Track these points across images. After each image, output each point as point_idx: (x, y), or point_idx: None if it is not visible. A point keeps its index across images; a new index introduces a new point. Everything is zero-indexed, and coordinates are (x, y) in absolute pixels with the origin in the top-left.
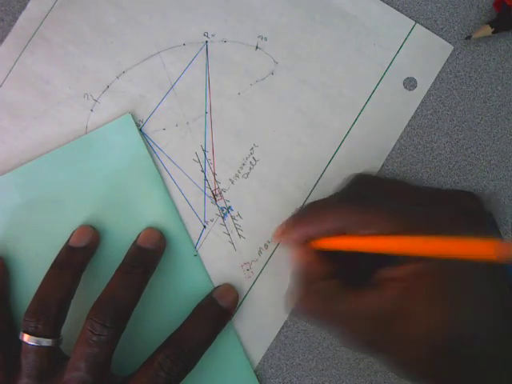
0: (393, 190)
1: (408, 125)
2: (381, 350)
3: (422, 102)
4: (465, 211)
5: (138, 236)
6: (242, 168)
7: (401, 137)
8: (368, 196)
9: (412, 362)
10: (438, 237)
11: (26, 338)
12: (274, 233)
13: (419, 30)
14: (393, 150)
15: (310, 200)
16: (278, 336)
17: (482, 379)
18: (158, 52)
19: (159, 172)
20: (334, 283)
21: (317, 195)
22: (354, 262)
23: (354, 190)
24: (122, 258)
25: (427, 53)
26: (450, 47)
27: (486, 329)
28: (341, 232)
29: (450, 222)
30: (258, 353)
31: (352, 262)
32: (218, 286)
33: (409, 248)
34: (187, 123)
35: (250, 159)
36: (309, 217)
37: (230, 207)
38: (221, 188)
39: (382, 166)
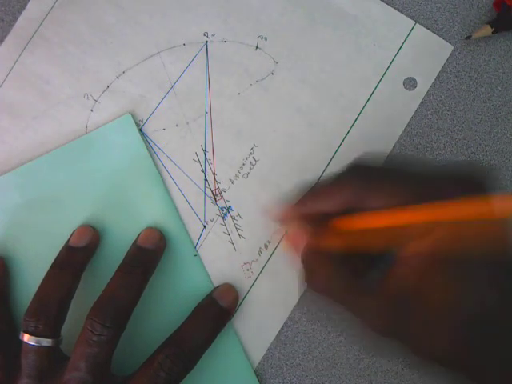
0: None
1: (408, 125)
2: (402, 335)
3: (422, 102)
4: (471, 180)
5: (138, 236)
6: (242, 168)
7: (401, 137)
8: (376, 166)
9: (432, 347)
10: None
11: (26, 337)
12: (272, 211)
13: (419, 30)
14: (393, 150)
15: None
16: (278, 336)
17: (501, 360)
18: (158, 52)
19: (159, 172)
20: (357, 260)
21: None
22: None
23: (361, 161)
24: (122, 258)
25: (427, 53)
26: (450, 47)
27: (504, 306)
28: (352, 205)
29: (459, 188)
30: (258, 353)
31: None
32: (218, 286)
33: (430, 215)
34: (187, 123)
35: (250, 159)
36: (319, 192)
37: (230, 207)
38: (221, 188)
39: None
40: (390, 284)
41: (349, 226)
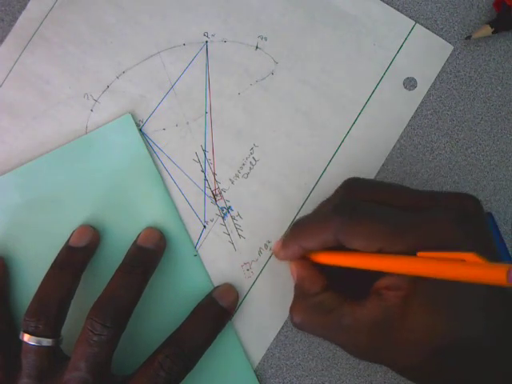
0: (387, 194)
1: (408, 125)
2: (383, 358)
3: (422, 102)
4: (463, 215)
5: (138, 236)
6: (242, 168)
7: (401, 137)
8: (360, 205)
9: (413, 367)
10: (431, 259)
11: (26, 337)
12: (273, 248)
13: (419, 30)
14: (393, 150)
15: (309, 200)
16: (277, 336)
17: (480, 380)
18: (158, 52)
19: (159, 172)
20: (333, 295)
21: (317, 195)
22: (352, 273)
23: (347, 198)
24: (122, 257)
25: (427, 53)
26: (450, 47)
27: (483, 330)
28: (335, 244)
29: (447, 229)
30: (258, 353)
31: (350, 273)
32: (218, 286)
33: (398, 268)
34: (187, 123)
35: (250, 159)
36: (303, 230)
37: (230, 207)
38: (221, 188)
39: (382, 165)
40: (364, 317)
41: (327, 261)
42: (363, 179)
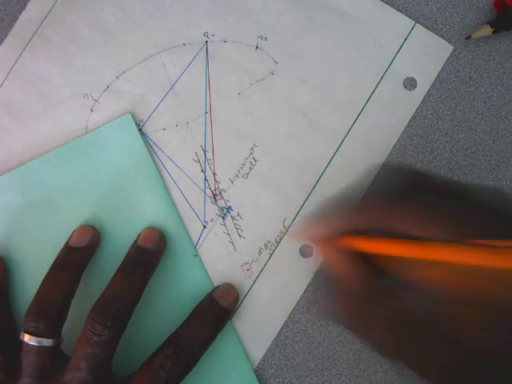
0: (446, 189)
1: (408, 125)
2: (405, 359)
3: (422, 101)
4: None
5: (138, 236)
6: (242, 168)
7: (401, 137)
8: (417, 194)
9: (430, 373)
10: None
11: (26, 338)
12: (292, 231)
13: (419, 29)
14: (393, 150)
15: (309, 200)
16: (278, 336)
17: None
18: (158, 52)
19: (159, 172)
20: (375, 285)
21: (317, 195)
22: (387, 264)
23: (399, 186)
24: (122, 258)
25: (427, 53)
26: (450, 47)
27: None
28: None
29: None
30: (258, 353)
31: (385, 264)
32: (218, 286)
33: (454, 256)
34: (187, 123)
35: (250, 159)
36: (345, 214)
37: (229, 207)
38: (221, 188)
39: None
40: (397, 310)
41: (360, 248)
42: (417, 171)
